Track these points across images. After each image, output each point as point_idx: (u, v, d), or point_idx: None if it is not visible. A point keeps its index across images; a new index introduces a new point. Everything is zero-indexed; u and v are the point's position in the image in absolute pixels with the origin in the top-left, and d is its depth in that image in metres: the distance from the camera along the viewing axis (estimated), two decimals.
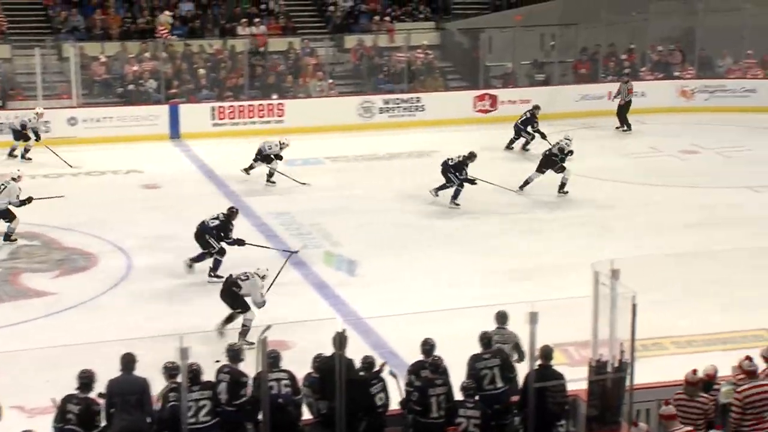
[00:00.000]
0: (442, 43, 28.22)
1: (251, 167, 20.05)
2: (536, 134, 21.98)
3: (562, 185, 19.07)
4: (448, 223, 17.53)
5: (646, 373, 9.98)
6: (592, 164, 21.31)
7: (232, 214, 15.15)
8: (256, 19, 27.29)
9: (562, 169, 19.07)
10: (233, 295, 12.95)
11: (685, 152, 22.30)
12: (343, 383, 9.00)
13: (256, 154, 19.98)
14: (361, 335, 12.62)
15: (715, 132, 24.11)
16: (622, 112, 24.50)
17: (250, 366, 9.50)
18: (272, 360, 9.45)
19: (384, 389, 9.61)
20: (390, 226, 17.35)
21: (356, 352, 9.88)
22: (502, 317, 10.69)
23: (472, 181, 18.41)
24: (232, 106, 24.39)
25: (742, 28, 26.64)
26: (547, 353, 9.50)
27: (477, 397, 9.55)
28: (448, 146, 22.98)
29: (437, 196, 18.57)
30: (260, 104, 24.51)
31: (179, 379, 8.81)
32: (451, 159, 18.60)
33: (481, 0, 30.32)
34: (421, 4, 29.51)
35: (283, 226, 17.41)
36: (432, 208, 18.38)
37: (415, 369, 9.84)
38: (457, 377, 9.79)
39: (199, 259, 15.08)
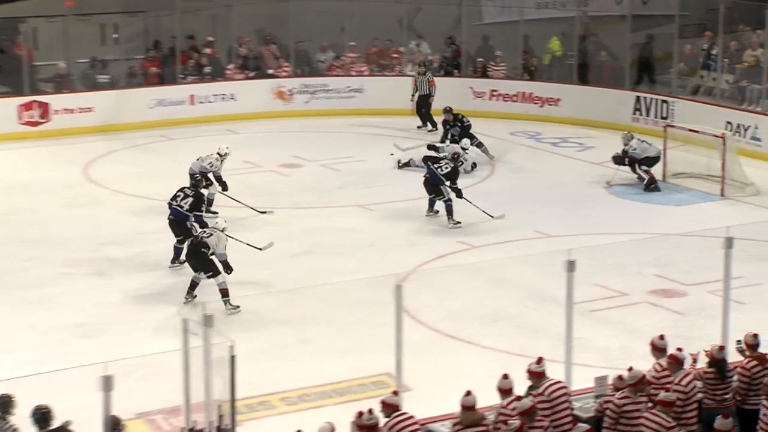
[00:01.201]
0: None
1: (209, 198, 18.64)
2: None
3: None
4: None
5: None
6: (166, 186, 21.48)
7: (199, 182, 17.60)
8: None
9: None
10: (202, 258, 15.26)
11: (285, 166, 23.09)
12: None
13: (201, 179, 18.64)
14: None
15: (319, 140, 25.18)
16: (421, 108, 25.28)
17: None
18: None
19: None
20: None
21: None
22: (3, 405, 10.06)
23: (459, 193, 19.27)
24: None
25: (341, 17, 28.03)
26: (115, 426, 9.40)
27: None
28: None
29: (437, 213, 19.39)
30: None
31: None
32: (438, 167, 19.22)
33: None
34: None
35: None
36: None
37: None
38: None
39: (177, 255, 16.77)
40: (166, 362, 9.92)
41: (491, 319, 15.31)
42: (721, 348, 11.11)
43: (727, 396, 10.98)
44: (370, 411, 9.86)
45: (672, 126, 22.94)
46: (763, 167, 22.51)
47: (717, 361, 11.00)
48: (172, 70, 27.16)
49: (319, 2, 28.38)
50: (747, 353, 11.18)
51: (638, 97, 25.90)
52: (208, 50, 27.71)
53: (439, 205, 19.44)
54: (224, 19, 27.96)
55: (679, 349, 10.84)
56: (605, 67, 27.50)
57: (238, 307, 15.19)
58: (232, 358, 9.25)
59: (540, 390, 10.45)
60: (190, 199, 16.99)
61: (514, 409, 10.07)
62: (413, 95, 26.08)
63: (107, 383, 8.71)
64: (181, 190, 17.26)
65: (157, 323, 14.65)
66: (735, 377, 11.07)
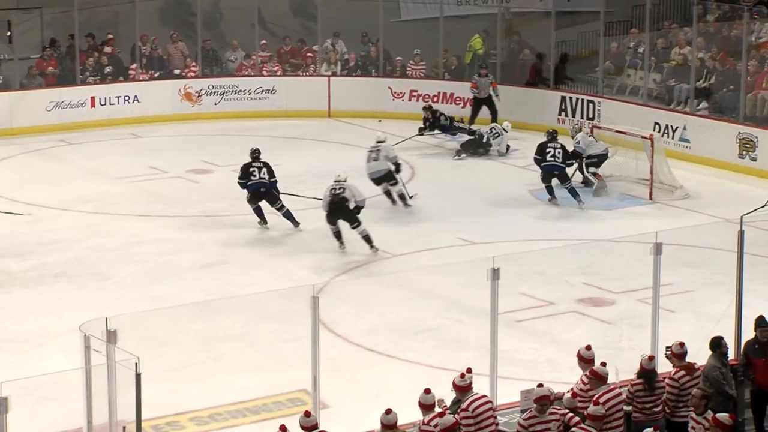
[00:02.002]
0: None
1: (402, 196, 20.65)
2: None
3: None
4: None
5: None
6: (65, 193, 21.36)
7: (258, 157, 19.53)
8: None
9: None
10: (346, 210, 18.15)
11: (194, 172, 22.97)
12: None
13: (384, 178, 20.44)
14: None
15: (229, 144, 25.02)
16: (478, 109, 25.54)
17: None
18: None
19: None
20: None
21: None
22: None
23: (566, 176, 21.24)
24: None
25: (253, 12, 27.95)
26: None
27: None
28: None
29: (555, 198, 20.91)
30: None
31: None
32: (553, 157, 20.69)
33: None
34: None
35: None
36: None
37: None
38: None
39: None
40: (66, 381, 9.84)
41: (412, 331, 15.35)
42: (651, 358, 11.24)
43: (656, 409, 11.11)
44: (284, 428, 9.84)
45: (599, 127, 23.18)
46: (692, 169, 22.83)
47: (646, 372, 11.12)
48: (71, 70, 26.90)
49: None
50: (674, 363, 11.32)
51: (563, 97, 26.15)
52: (108, 49, 27.45)
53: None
54: (127, 16, 27.75)
55: (603, 364, 10.93)
56: (529, 65, 27.72)
57: (378, 249, 18.07)
58: (138, 376, 9.18)
59: (464, 405, 10.49)
60: (265, 169, 19.33)
61: (436, 425, 10.11)
62: (475, 98, 25.99)
63: (3, 405, 8.62)
64: (250, 165, 19.35)
65: (57, 340, 14.49)
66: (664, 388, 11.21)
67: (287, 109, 27.51)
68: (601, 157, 21.78)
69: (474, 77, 26.32)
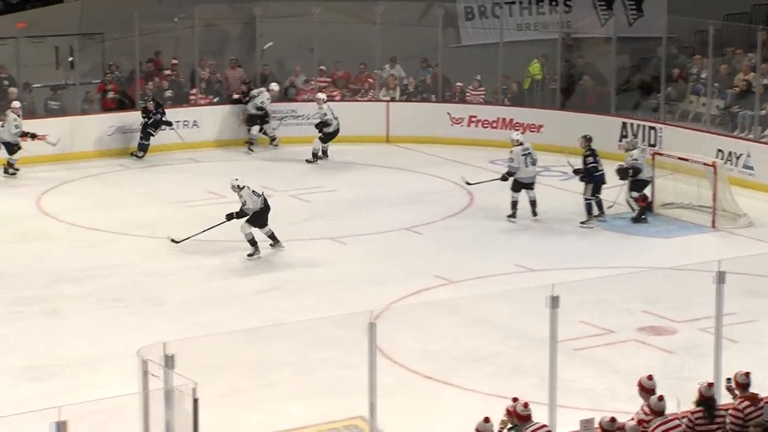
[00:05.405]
0: None
1: None
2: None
3: None
4: None
5: None
6: (121, 218, 21.57)
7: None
8: None
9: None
10: (267, 214, 19.75)
11: None
12: None
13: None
14: None
15: (286, 169, 25.17)
16: None
17: None
18: None
19: None
20: None
21: None
22: None
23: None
24: None
25: (311, 38, 28.05)
26: None
27: None
28: None
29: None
30: None
31: None
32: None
33: None
34: None
35: None
36: None
37: None
38: None
39: None
40: (124, 407, 9.86)
41: (470, 358, 15.31)
42: (710, 385, 11.10)
43: None
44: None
45: (660, 154, 23.04)
46: (756, 197, 22.62)
47: (705, 399, 10.98)
48: (132, 95, 27.10)
49: (288, 23, 28.41)
50: (738, 393, 11.18)
51: (624, 123, 26.03)
52: (168, 72, 27.66)
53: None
54: (188, 41, 27.93)
55: (660, 398, 10.80)
56: (589, 91, 27.63)
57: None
58: (195, 402, 9.21)
59: None
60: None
61: None
62: None
63: (61, 430, 8.65)
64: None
65: (112, 365, 14.57)
66: (727, 419, 11.06)
67: (345, 134, 27.52)
68: (645, 183, 21.70)
69: None
